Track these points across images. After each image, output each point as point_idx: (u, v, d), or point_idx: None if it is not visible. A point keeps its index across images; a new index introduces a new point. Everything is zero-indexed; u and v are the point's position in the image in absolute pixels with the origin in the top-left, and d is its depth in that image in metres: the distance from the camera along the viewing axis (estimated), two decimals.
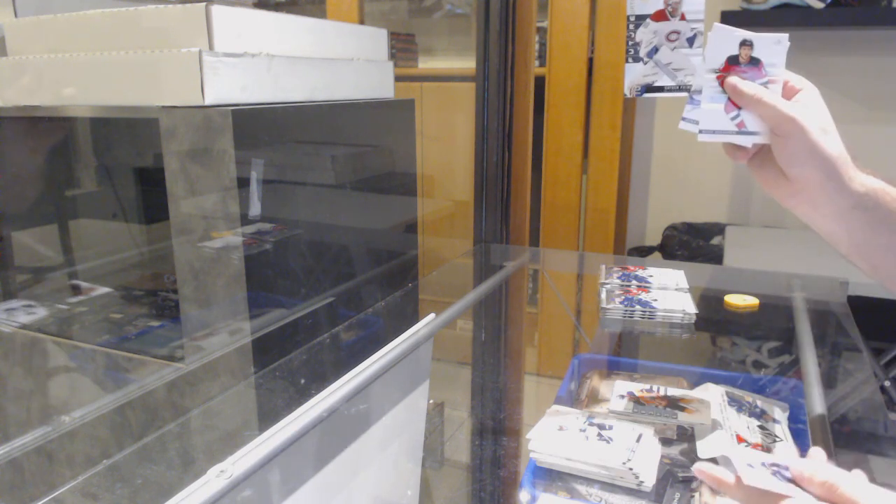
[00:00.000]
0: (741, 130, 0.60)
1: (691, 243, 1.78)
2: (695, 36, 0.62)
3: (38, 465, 0.90)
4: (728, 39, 0.60)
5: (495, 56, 1.33)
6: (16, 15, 0.99)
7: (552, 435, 0.65)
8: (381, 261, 1.14)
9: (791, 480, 0.43)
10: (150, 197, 1.13)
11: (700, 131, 0.61)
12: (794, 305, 1.01)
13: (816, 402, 0.70)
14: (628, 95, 0.65)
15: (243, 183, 0.81)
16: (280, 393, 0.80)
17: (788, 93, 0.59)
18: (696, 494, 0.60)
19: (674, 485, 0.61)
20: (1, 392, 1.01)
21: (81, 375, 0.94)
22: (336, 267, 1.01)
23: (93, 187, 1.17)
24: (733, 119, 0.60)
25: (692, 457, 0.64)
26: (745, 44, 0.59)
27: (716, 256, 1.70)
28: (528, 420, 0.77)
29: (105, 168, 1.16)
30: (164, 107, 0.81)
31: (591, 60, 1.87)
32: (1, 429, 1.04)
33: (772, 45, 0.58)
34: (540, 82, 1.83)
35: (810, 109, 0.57)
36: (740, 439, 0.64)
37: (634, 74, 0.64)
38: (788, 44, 0.58)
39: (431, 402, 0.82)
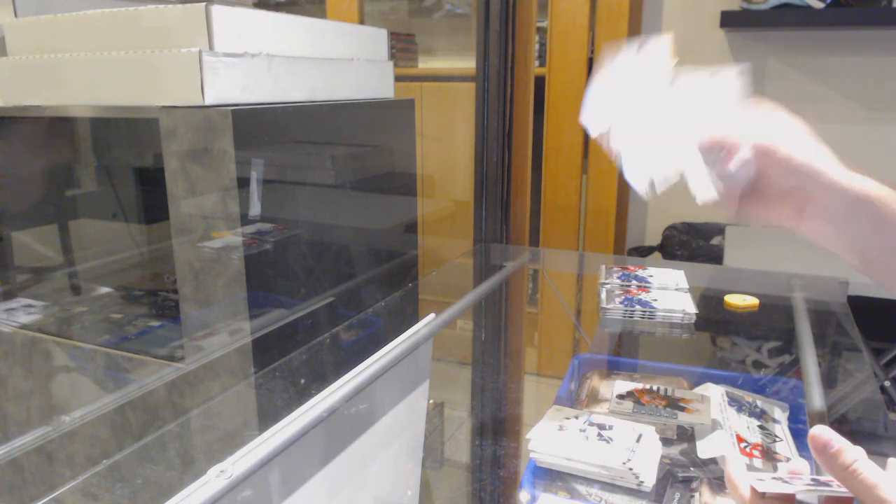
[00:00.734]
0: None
1: (691, 243, 1.78)
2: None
3: (38, 465, 0.90)
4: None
5: (495, 56, 1.33)
6: (16, 15, 0.99)
7: (552, 435, 0.65)
8: (380, 261, 1.14)
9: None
10: (150, 197, 1.14)
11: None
12: (794, 305, 1.01)
13: (816, 402, 0.70)
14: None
15: (243, 183, 0.81)
16: (280, 393, 0.80)
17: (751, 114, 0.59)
18: (696, 494, 0.60)
19: (674, 485, 0.61)
20: (1, 392, 1.01)
21: (81, 375, 0.94)
22: (336, 267, 1.01)
23: (93, 187, 1.17)
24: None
25: (692, 457, 0.64)
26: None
27: (716, 256, 1.70)
28: (528, 420, 0.77)
29: (105, 168, 1.16)
30: (164, 107, 0.81)
31: (591, 60, 1.87)
32: (1, 429, 1.04)
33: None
34: (540, 82, 1.83)
35: (758, 128, 0.57)
36: (740, 439, 0.64)
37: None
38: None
39: (431, 402, 0.82)
